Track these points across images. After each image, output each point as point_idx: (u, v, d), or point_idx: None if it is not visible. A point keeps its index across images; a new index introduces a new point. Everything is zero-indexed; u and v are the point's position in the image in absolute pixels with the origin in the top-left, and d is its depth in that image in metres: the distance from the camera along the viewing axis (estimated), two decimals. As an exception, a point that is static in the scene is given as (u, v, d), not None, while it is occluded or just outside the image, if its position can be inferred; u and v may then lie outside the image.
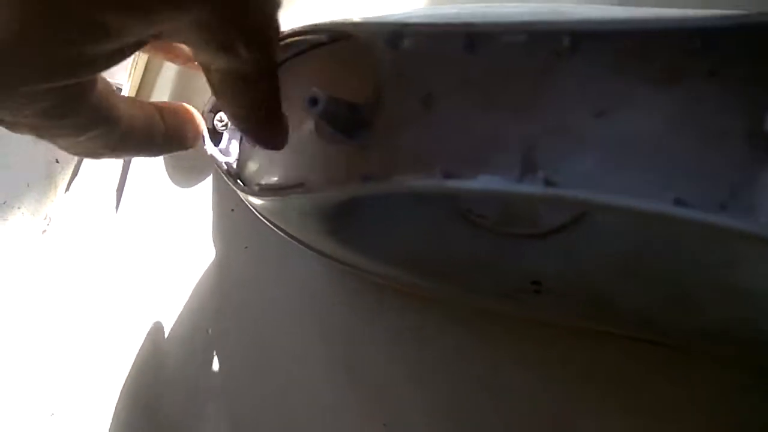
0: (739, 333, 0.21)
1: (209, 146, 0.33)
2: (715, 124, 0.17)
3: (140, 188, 0.45)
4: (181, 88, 0.45)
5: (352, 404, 0.36)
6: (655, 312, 0.23)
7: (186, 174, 0.44)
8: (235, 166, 0.35)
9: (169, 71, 0.45)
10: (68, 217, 0.47)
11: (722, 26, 0.16)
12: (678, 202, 0.15)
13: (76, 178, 0.48)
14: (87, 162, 0.48)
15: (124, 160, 0.46)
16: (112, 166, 0.46)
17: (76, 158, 0.48)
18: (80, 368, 0.43)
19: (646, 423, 0.29)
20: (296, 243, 0.35)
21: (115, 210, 0.46)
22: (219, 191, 0.43)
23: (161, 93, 0.45)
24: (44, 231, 0.48)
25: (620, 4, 0.34)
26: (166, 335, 0.42)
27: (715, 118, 0.17)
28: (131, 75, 0.43)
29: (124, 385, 0.42)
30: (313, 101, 0.23)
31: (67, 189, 0.48)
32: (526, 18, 0.19)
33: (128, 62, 0.43)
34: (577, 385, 0.31)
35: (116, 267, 0.44)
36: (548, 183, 0.17)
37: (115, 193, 0.46)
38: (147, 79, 0.45)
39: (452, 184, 0.19)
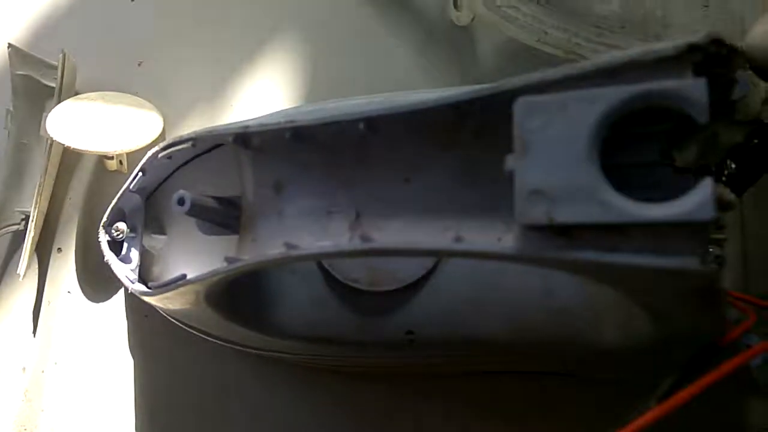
0: (571, 345, 0.24)
1: (108, 256, 0.36)
2: (485, 173, 0.21)
3: (55, 309, 0.46)
4: (88, 211, 0.47)
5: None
6: (506, 337, 0.26)
7: (98, 288, 0.45)
8: (136, 273, 0.37)
9: (75, 196, 0.47)
10: (-15, 347, 0.47)
11: (472, 98, 0.20)
12: (457, 239, 0.19)
13: (-7, 307, 0.49)
14: (3, 287, 0.48)
15: (38, 282, 0.47)
16: (26, 290, 0.47)
17: (-8, 288, 0.49)
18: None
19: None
20: (210, 339, 0.37)
21: (33, 335, 0.46)
22: (131, 301, 0.44)
23: (68, 217, 0.47)
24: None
25: (461, 83, 0.40)
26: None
27: (485, 169, 0.21)
28: (37, 203, 0.45)
29: None
30: (180, 201, 0.26)
31: (-17, 319, 0.48)
32: (343, 110, 0.24)
33: (34, 190, 0.45)
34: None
35: (37, 390, 0.44)
36: (365, 239, 0.20)
37: (31, 318, 0.46)
38: (54, 206, 0.47)
39: (294, 253, 0.22)
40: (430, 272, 0.28)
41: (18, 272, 0.45)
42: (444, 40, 0.41)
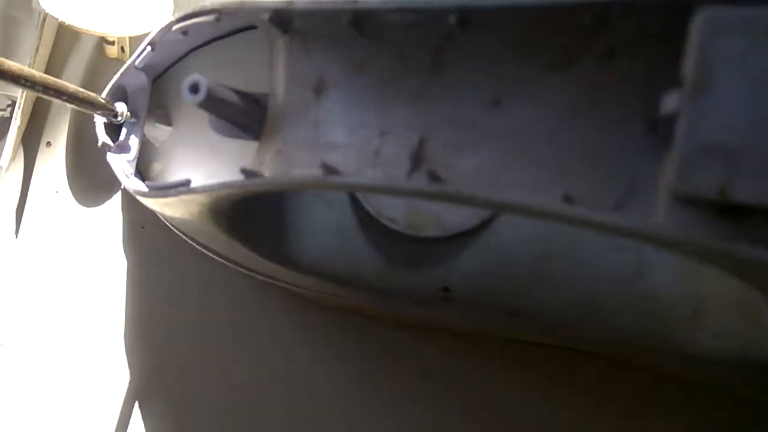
0: (651, 342, 0.20)
1: (103, 139, 0.30)
2: (613, 110, 0.15)
3: (41, 210, 0.41)
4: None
5: (276, 417, 0.33)
6: (570, 319, 0.21)
7: (91, 191, 0.40)
8: (134, 165, 0.32)
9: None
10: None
11: (627, 2, 0.14)
12: (567, 199, 0.14)
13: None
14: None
15: (24, 179, 0.41)
16: (10, 186, 0.42)
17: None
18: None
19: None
20: (210, 254, 0.32)
21: (14, 235, 0.41)
22: (128, 208, 0.39)
23: (60, 107, 0.41)
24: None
25: None
26: (78, 362, 0.38)
27: (612, 104, 0.15)
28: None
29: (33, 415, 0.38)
30: (194, 88, 0.20)
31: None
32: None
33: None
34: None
35: (18, 295, 0.40)
36: (434, 178, 0.15)
37: (14, 217, 0.42)
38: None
39: (333, 180, 0.17)
40: (485, 224, 0.23)
41: (0, 164, 0.40)
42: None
